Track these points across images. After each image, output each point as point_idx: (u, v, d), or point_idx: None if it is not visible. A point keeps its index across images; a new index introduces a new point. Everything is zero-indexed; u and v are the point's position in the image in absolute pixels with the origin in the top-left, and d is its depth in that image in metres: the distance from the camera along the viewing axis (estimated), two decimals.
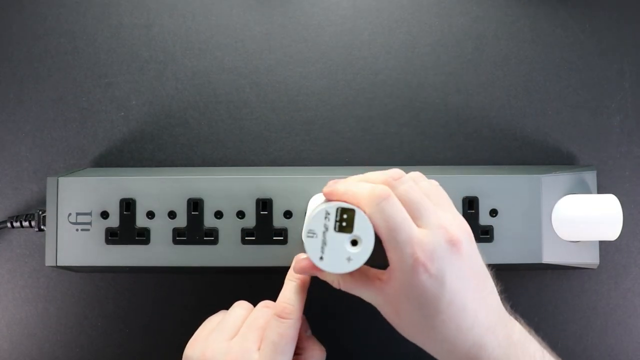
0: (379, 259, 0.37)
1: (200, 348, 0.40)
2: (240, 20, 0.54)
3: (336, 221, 0.38)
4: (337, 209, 0.38)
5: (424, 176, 0.39)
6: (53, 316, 0.52)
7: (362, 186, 0.37)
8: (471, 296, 0.35)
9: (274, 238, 0.46)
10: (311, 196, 0.46)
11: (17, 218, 0.50)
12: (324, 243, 0.38)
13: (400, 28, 0.54)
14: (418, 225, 0.36)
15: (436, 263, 0.34)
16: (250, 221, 0.46)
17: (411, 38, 0.54)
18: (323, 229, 0.38)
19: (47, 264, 0.46)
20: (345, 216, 0.38)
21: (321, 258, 0.39)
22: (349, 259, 0.39)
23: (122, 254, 0.46)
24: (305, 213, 0.45)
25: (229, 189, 0.46)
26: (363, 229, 0.38)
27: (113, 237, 0.46)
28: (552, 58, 0.54)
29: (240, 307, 0.43)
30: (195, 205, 0.46)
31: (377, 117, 0.53)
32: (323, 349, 0.42)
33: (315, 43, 0.54)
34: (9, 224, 0.50)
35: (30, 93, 0.53)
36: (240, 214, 0.46)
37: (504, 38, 0.54)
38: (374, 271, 0.39)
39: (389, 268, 0.37)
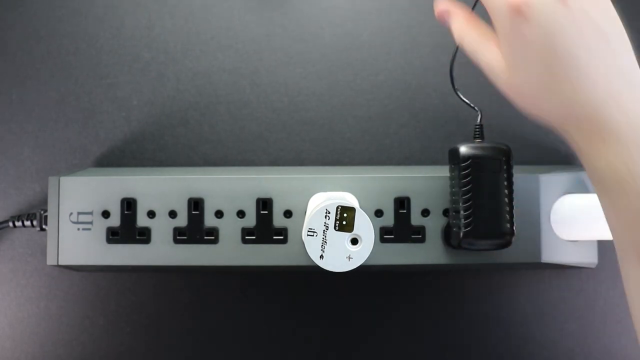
0: None
1: None
2: (241, 21, 0.54)
3: (336, 220, 0.39)
4: (337, 207, 0.39)
5: None
6: (55, 315, 0.52)
7: None
8: (587, 54, 0.32)
9: (274, 237, 0.46)
10: (311, 196, 0.46)
11: (19, 217, 0.50)
12: (324, 241, 0.39)
13: (399, 29, 0.54)
14: None
15: (533, 8, 0.32)
16: (250, 220, 0.46)
17: (411, 39, 0.54)
18: (323, 227, 0.39)
19: (48, 263, 0.47)
20: (345, 215, 0.39)
21: (321, 256, 0.39)
22: (349, 258, 0.39)
23: (123, 253, 0.47)
24: (306, 212, 0.46)
25: (229, 188, 0.47)
26: (363, 227, 0.39)
27: (114, 236, 0.46)
28: None
29: None
30: (195, 205, 0.46)
31: (376, 118, 0.54)
32: None
33: (315, 44, 0.54)
34: (11, 224, 0.50)
35: (32, 94, 0.54)
36: (241, 214, 0.46)
37: None
38: (494, 61, 0.36)
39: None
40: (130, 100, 0.54)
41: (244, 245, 0.46)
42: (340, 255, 0.39)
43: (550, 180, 0.47)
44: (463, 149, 0.42)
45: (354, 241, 0.39)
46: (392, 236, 0.46)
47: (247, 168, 0.52)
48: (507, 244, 0.42)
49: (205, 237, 0.46)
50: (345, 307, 0.53)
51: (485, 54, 0.36)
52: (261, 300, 0.53)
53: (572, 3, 0.32)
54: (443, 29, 0.56)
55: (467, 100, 0.45)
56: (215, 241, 0.46)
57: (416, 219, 0.46)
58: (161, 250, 0.46)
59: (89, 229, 0.47)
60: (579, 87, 0.32)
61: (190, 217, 0.46)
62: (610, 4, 0.34)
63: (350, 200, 0.45)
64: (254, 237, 0.46)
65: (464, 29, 0.38)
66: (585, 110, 0.32)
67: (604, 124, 0.32)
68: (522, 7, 0.32)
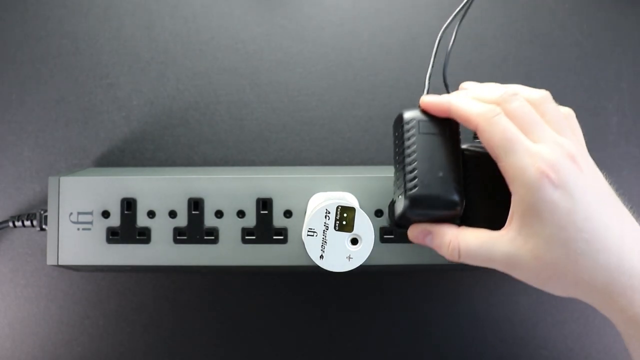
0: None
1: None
2: (241, 21, 0.54)
3: (336, 220, 0.39)
4: (337, 207, 0.39)
5: (549, 98, 0.36)
6: (54, 315, 0.52)
7: (472, 104, 0.36)
8: (608, 213, 0.32)
9: (274, 237, 0.46)
10: (311, 196, 0.46)
11: (19, 217, 0.50)
12: (324, 241, 0.39)
13: (399, 29, 0.54)
14: (532, 141, 0.33)
15: (560, 173, 0.32)
16: (250, 220, 0.46)
17: (411, 39, 0.54)
18: (323, 227, 0.39)
19: (48, 263, 0.47)
20: (345, 215, 0.39)
21: (321, 256, 0.39)
22: (349, 258, 0.39)
23: (123, 253, 0.47)
24: (306, 212, 0.46)
25: (229, 188, 0.46)
26: (363, 227, 0.39)
27: (114, 236, 0.46)
28: (550, 59, 0.54)
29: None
30: (195, 205, 0.46)
31: (377, 117, 0.54)
32: None
33: (315, 44, 0.54)
34: (11, 223, 0.50)
35: (32, 94, 0.54)
36: (241, 214, 0.46)
37: (503, 39, 0.54)
38: (490, 232, 0.35)
39: (510, 211, 0.34)
40: (130, 100, 0.54)
41: (244, 245, 0.46)
42: (340, 255, 0.39)
43: None
44: (407, 114, 0.39)
45: (354, 241, 0.39)
46: (392, 236, 0.46)
47: (247, 168, 0.52)
48: (457, 215, 0.37)
49: (205, 237, 0.46)
50: (345, 307, 0.53)
51: (496, 251, 0.34)
52: (261, 300, 0.53)
53: (584, 167, 0.33)
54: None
55: None
56: (215, 241, 0.46)
57: None
58: (161, 250, 0.46)
59: (89, 229, 0.47)
60: (610, 246, 0.32)
61: (190, 217, 0.46)
62: None
63: (350, 200, 0.45)
64: (254, 237, 0.46)
65: (464, 237, 0.36)
66: (624, 273, 0.32)
67: (630, 281, 0.32)
68: (551, 173, 0.32)
